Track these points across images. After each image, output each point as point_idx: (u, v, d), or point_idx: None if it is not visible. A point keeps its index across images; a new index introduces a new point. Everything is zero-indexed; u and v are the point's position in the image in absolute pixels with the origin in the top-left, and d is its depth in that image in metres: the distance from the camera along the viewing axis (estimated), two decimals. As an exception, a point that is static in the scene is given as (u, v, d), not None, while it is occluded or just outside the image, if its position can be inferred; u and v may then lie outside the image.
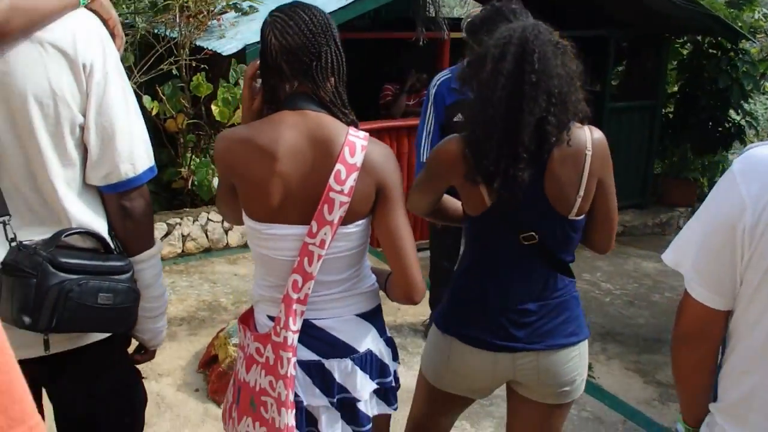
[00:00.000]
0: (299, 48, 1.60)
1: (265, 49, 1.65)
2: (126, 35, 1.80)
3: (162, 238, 5.23)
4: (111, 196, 1.61)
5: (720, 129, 7.71)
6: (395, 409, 1.86)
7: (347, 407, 1.74)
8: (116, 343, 1.73)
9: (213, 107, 5.30)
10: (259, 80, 1.72)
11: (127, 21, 5.54)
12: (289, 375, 1.64)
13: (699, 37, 7.68)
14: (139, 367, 1.88)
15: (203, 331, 4.14)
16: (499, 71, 1.71)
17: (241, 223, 1.80)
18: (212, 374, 3.49)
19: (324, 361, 1.71)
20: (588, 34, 5.79)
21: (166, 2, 5.49)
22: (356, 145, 1.62)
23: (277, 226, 1.64)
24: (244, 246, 5.69)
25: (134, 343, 1.85)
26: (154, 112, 5.23)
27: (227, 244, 5.65)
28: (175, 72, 5.39)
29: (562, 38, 1.77)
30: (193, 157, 5.68)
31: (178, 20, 5.42)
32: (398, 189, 1.68)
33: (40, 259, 1.44)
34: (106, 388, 1.72)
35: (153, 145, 1.70)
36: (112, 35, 1.62)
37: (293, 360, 1.65)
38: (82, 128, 1.54)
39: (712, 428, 1.46)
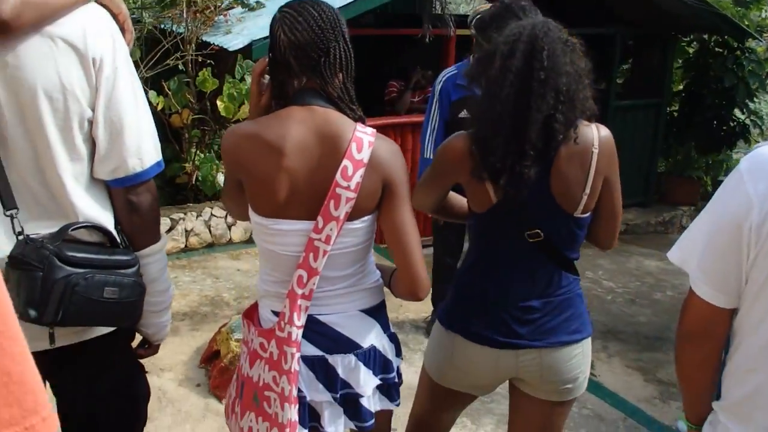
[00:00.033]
0: (308, 44, 1.61)
1: (273, 45, 1.65)
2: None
3: (165, 233, 5.24)
4: (118, 190, 1.61)
5: (725, 128, 7.70)
6: (398, 405, 1.87)
7: (350, 403, 1.75)
8: (120, 338, 1.73)
9: (218, 103, 5.31)
10: (267, 77, 1.73)
11: (134, 16, 5.54)
12: (292, 370, 1.65)
13: (705, 36, 7.67)
14: (141, 361, 1.89)
15: (205, 326, 4.15)
16: (508, 68, 1.71)
17: (246, 218, 1.81)
18: (214, 369, 3.50)
19: (328, 356, 1.72)
20: (594, 32, 5.78)
21: (173, -3, 5.51)
22: (363, 141, 1.63)
23: (284, 221, 1.65)
24: (247, 241, 5.70)
25: (138, 338, 1.86)
26: (159, 107, 5.24)
27: (230, 239, 5.66)
28: (181, 67, 5.39)
29: (571, 36, 1.77)
30: (198, 152, 5.68)
31: (185, 15, 5.42)
32: (404, 185, 1.69)
33: (46, 253, 1.45)
34: (109, 382, 1.73)
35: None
36: (122, 30, 1.62)
37: (297, 355, 1.66)
38: (91, 122, 1.54)
39: (715, 426, 1.47)
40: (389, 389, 1.84)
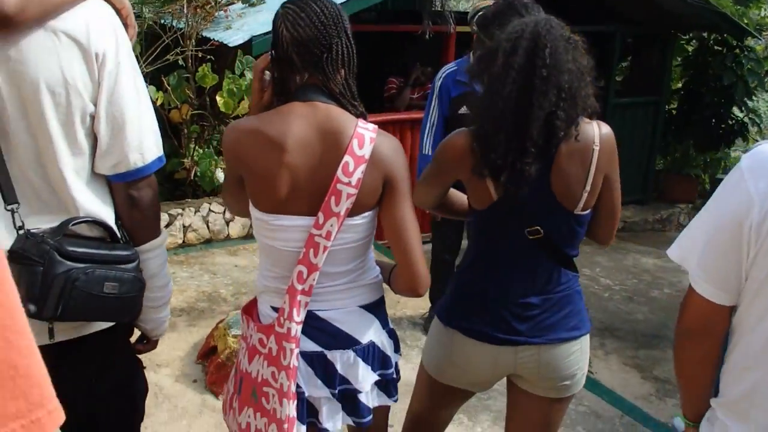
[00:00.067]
0: (310, 40, 1.61)
1: (276, 41, 1.65)
2: (134, 25, 1.81)
3: (164, 228, 5.24)
4: (119, 185, 1.61)
5: (723, 126, 7.72)
6: (396, 401, 1.87)
7: (348, 398, 1.76)
8: (119, 333, 1.73)
9: (218, 98, 5.31)
10: (268, 73, 1.73)
11: (135, 11, 5.51)
12: (291, 366, 1.65)
13: (705, 34, 7.68)
14: (138, 356, 1.89)
15: (202, 322, 4.15)
16: (511, 65, 1.71)
17: (246, 215, 1.81)
18: (211, 365, 3.50)
19: (326, 352, 1.72)
20: (593, 30, 5.79)
21: (173, -8, 5.51)
22: (365, 137, 1.63)
23: (284, 217, 1.65)
24: (245, 237, 5.71)
25: (136, 333, 1.86)
26: (158, 103, 5.23)
27: (228, 235, 5.66)
28: (180, 63, 5.39)
29: (572, 33, 1.77)
30: (197, 148, 5.68)
31: (185, 11, 5.42)
32: (406, 182, 1.69)
33: (47, 248, 1.45)
34: (107, 378, 1.72)
35: (158, 135, 1.71)
36: (125, 25, 1.62)
37: (296, 351, 1.66)
38: (93, 117, 1.54)
39: (713, 423, 1.47)
40: (387, 385, 1.84)
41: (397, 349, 1.89)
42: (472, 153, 1.78)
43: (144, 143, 1.59)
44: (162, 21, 5.52)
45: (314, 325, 1.71)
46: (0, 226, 1.48)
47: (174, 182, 5.73)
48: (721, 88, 7.44)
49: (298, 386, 1.69)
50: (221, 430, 3.07)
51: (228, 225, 5.65)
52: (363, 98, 1.74)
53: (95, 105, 1.53)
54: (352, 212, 1.64)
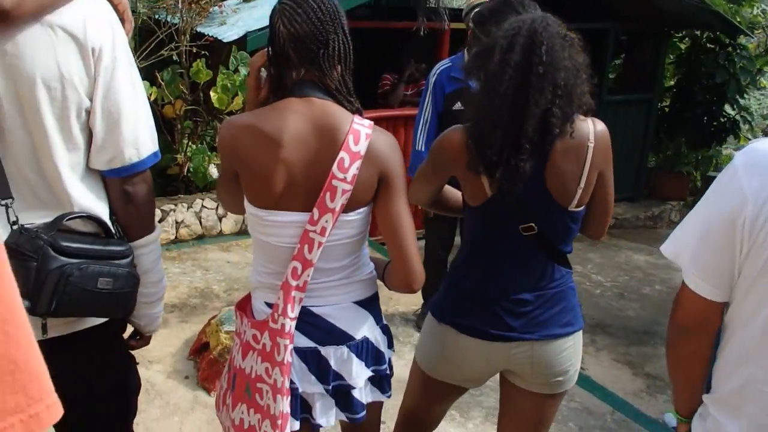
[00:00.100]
0: (307, 36, 1.61)
1: (273, 37, 1.65)
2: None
3: (158, 224, 5.23)
4: (114, 180, 1.61)
5: (715, 123, 7.75)
6: (389, 397, 1.88)
7: (342, 394, 1.76)
8: (112, 329, 1.73)
9: (212, 94, 5.30)
10: (264, 70, 1.73)
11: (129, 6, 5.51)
12: (285, 362, 1.65)
13: (697, 32, 7.70)
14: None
15: (194, 318, 4.15)
16: (507, 62, 1.71)
17: (241, 212, 1.81)
18: (203, 362, 3.49)
19: (320, 348, 1.72)
20: (587, 27, 5.79)
21: (168, -13, 5.49)
22: (360, 133, 1.63)
23: (279, 213, 1.65)
24: (238, 233, 5.70)
25: (129, 329, 1.85)
26: (152, 98, 5.22)
27: (221, 231, 5.66)
28: (175, 58, 5.38)
29: (569, 31, 1.78)
30: (190, 143, 5.67)
31: (179, 6, 5.40)
32: (401, 178, 1.69)
33: (41, 243, 1.44)
34: (100, 373, 1.72)
35: (152, 130, 1.71)
36: (122, 20, 1.62)
37: (290, 347, 1.66)
38: (88, 112, 1.53)
39: (705, 418, 1.48)
40: (381, 381, 1.85)
41: (390, 345, 1.90)
42: (467, 149, 1.79)
43: (139, 138, 1.59)
44: (156, 16, 5.51)
45: (308, 321, 1.71)
46: None
47: (167, 178, 5.71)
48: (714, 86, 7.47)
49: (291, 382, 1.69)
50: (213, 427, 3.07)
51: (221, 221, 5.64)
52: (357, 94, 1.74)
53: (91, 100, 1.52)
54: (347, 208, 1.64)
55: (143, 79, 5.05)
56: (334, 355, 1.73)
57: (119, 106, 1.54)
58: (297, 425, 1.71)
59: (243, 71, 5.31)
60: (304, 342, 1.71)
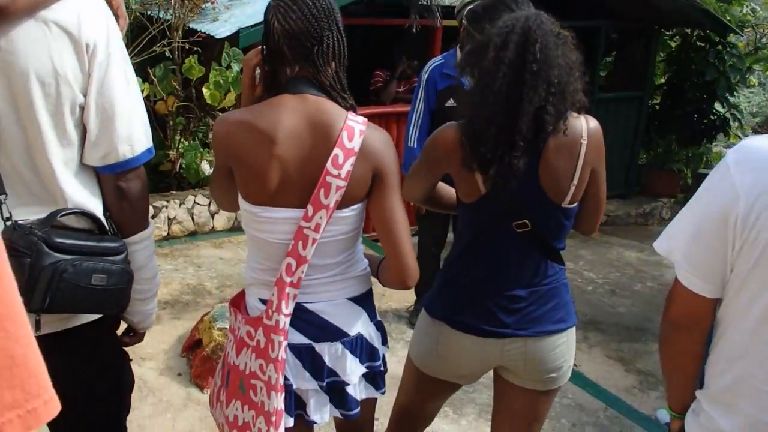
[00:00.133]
0: (301, 32, 1.60)
1: (267, 33, 1.65)
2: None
3: (152, 220, 5.22)
4: (108, 176, 1.61)
5: (705, 121, 7.80)
6: (383, 393, 1.88)
7: (336, 391, 1.76)
8: (105, 325, 1.72)
9: (204, 90, 5.29)
10: (258, 70, 1.73)
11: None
12: (279, 358, 1.65)
13: (688, 30, 7.74)
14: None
15: (187, 315, 4.14)
16: (501, 60, 1.72)
17: (234, 209, 1.81)
18: (195, 358, 3.49)
19: (314, 344, 1.72)
20: (579, 24, 5.81)
21: (161, -16, 5.46)
22: (355, 129, 1.63)
23: (273, 209, 1.65)
24: (230, 230, 5.69)
25: (122, 326, 1.85)
26: (144, 94, 5.19)
27: (213, 227, 5.64)
28: (167, 54, 5.35)
29: (563, 29, 1.78)
30: (182, 140, 5.66)
31: (172, 2, 5.38)
32: (395, 174, 1.69)
33: (34, 239, 1.44)
34: (94, 370, 1.72)
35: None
36: (116, 16, 1.61)
37: (284, 343, 1.66)
38: (83, 108, 1.53)
39: (698, 414, 1.49)
40: (375, 377, 1.85)
41: (384, 342, 1.90)
42: (461, 146, 1.79)
43: (133, 134, 1.59)
44: (148, 12, 5.48)
45: (302, 318, 1.72)
46: None
47: (159, 174, 5.70)
48: (704, 84, 7.52)
49: (286, 379, 1.69)
50: (206, 424, 3.07)
51: (213, 217, 5.63)
52: (349, 91, 1.74)
53: (85, 96, 1.52)
54: (341, 205, 1.65)
55: (136, 75, 5.07)
56: (329, 352, 1.73)
57: (113, 102, 1.54)
58: (291, 422, 1.72)
59: (235, 67, 5.30)
60: (299, 338, 1.71)
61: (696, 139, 7.87)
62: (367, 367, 1.81)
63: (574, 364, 2.02)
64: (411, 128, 3.75)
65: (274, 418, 1.66)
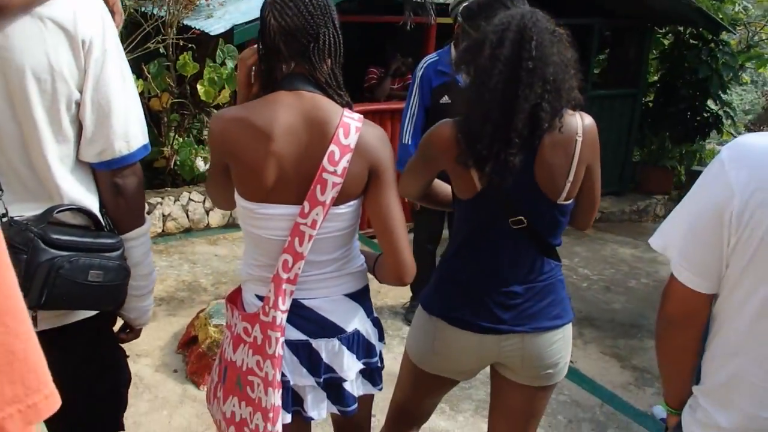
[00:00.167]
0: (298, 29, 1.60)
1: (263, 30, 1.65)
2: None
3: (148, 216, 5.21)
4: (104, 173, 1.60)
5: (698, 118, 7.83)
6: (380, 390, 1.88)
7: (333, 387, 1.76)
8: (102, 321, 1.72)
9: (198, 87, 5.28)
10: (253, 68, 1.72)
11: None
12: (276, 355, 1.65)
13: (680, 28, 7.77)
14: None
15: (182, 311, 4.14)
16: (497, 57, 1.72)
17: (230, 207, 1.81)
18: (191, 355, 3.49)
19: (312, 340, 1.72)
20: (572, 22, 5.81)
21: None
22: (350, 126, 1.63)
23: (270, 205, 1.65)
24: (225, 227, 5.69)
25: (119, 322, 1.85)
26: (138, 91, 5.16)
27: (208, 224, 5.64)
28: (161, 51, 5.34)
29: (558, 26, 1.79)
30: (177, 136, 5.64)
31: (166, -1, 5.37)
32: (391, 171, 1.70)
33: (31, 235, 1.44)
34: (91, 366, 1.72)
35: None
36: (112, 12, 1.61)
37: (281, 340, 1.66)
38: (78, 105, 1.53)
39: (695, 410, 1.50)
40: (372, 373, 1.85)
41: (381, 338, 1.90)
42: (457, 143, 1.79)
43: (130, 131, 1.59)
44: (143, 9, 5.47)
45: (299, 314, 1.72)
46: None
47: (153, 171, 5.68)
48: (697, 82, 7.54)
49: (283, 375, 1.69)
50: (202, 420, 3.06)
51: (208, 214, 5.62)
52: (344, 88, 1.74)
53: (81, 92, 1.52)
54: (338, 201, 1.65)
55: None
56: (326, 348, 1.73)
57: (109, 98, 1.54)
58: (288, 418, 1.72)
59: (230, 64, 5.29)
60: (296, 335, 1.71)
61: (689, 136, 7.90)
62: (364, 364, 1.81)
63: (570, 361, 2.03)
64: (406, 125, 3.75)
65: (271, 415, 1.66)
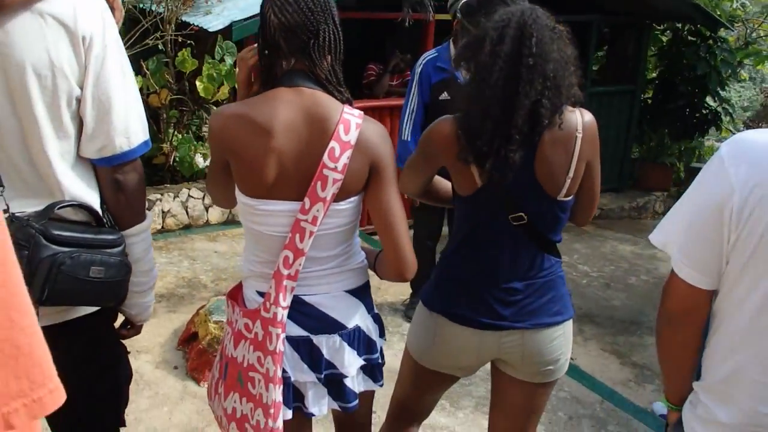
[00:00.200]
0: (298, 26, 1.60)
1: (263, 26, 1.65)
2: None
3: (149, 212, 5.21)
4: (104, 169, 1.60)
5: (697, 115, 7.84)
6: (381, 386, 1.88)
7: (334, 383, 1.76)
8: (103, 318, 1.72)
9: (197, 83, 5.28)
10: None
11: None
12: (277, 351, 1.65)
13: (679, 25, 7.77)
14: (118, 342, 1.88)
15: (182, 308, 4.14)
16: (497, 54, 1.72)
17: (230, 205, 1.81)
18: (191, 351, 3.49)
19: (312, 337, 1.72)
20: (571, 19, 5.81)
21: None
22: (351, 122, 1.63)
23: (271, 202, 1.65)
24: (225, 223, 5.69)
25: (120, 318, 1.84)
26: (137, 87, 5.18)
27: (207, 220, 5.64)
28: (160, 47, 5.34)
29: (558, 23, 1.79)
30: (176, 133, 5.64)
31: (164, -5, 5.36)
32: (391, 167, 1.70)
33: (32, 231, 1.44)
34: (92, 362, 1.72)
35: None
36: (111, 8, 1.60)
37: (282, 336, 1.66)
38: (79, 101, 1.53)
39: (695, 406, 1.50)
40: (373, 370, 1.85)
41: (382, 334, 1.90)
42: (457, 140, 1.80)
43: (130, 127, 1.59)
44: (141, 5, 5.46)
45: (300, 310, 1.72)
46: None
47: (153, 167, 5.68)
48: (695, 78, 7.55)
49: (284, 371, 1.69)
50: (203, 417, 3.07)
51: (207, 211, 5.62)
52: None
53: (81, 88, 1.52)
54: (338, 197, 1.65)
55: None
56: (326, 344, 1.74)
57: (110, 94, 1.54)
58: (289, 414, 1.72)
59: (229, 61, 5.29)
60: (296, 331, 1.71)
61: (688, 133, 7.90)
62: (365, 360, 1.81)
63: (570, 357, 2.03)
64: (405, 121, 3.76)
65: (272, 411, 1.66)
